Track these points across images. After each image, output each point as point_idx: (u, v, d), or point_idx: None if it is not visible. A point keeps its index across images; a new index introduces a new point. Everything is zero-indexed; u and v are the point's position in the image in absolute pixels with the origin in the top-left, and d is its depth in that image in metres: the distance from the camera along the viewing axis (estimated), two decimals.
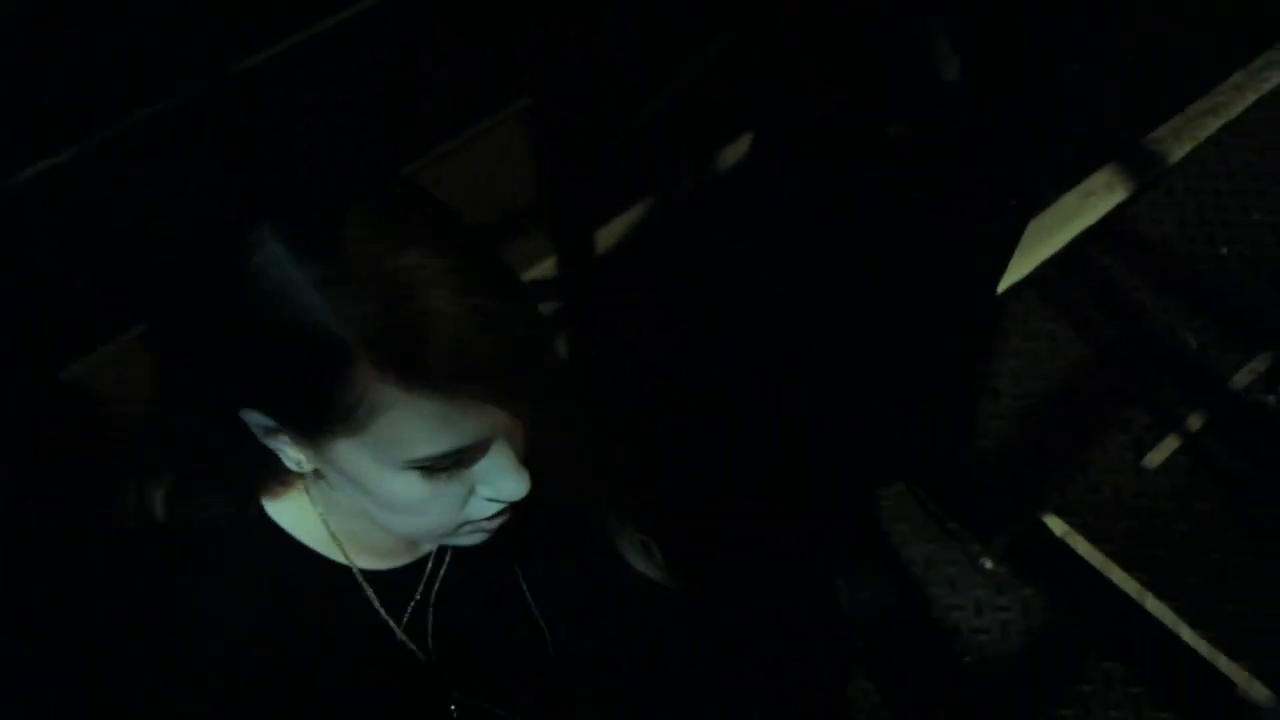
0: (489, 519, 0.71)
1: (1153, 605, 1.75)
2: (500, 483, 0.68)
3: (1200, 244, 2.25)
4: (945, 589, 1.89)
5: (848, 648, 1.88)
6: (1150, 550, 1.84)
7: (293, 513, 0.76)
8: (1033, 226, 1.85)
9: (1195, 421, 1.97)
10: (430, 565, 0.83)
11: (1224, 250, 2.23)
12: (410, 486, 0.66)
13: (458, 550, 0.83)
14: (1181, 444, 1.94)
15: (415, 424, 0.61)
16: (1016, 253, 1.83)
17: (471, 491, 0.69)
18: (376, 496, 0.68)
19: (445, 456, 0.64)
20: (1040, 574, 1.86)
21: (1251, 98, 2.01)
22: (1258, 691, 1.65)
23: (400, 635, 0.80)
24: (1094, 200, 1.86)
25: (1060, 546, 1.84)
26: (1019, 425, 2.01)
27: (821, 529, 1.96)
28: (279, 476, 0.74)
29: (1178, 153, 1.94)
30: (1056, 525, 1.85)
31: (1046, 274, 2.15)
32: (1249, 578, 1.81)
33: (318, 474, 0.71)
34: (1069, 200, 1.87)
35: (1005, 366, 2.08)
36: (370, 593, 0.78)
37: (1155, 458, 1.92)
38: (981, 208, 1.41)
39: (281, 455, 0.69)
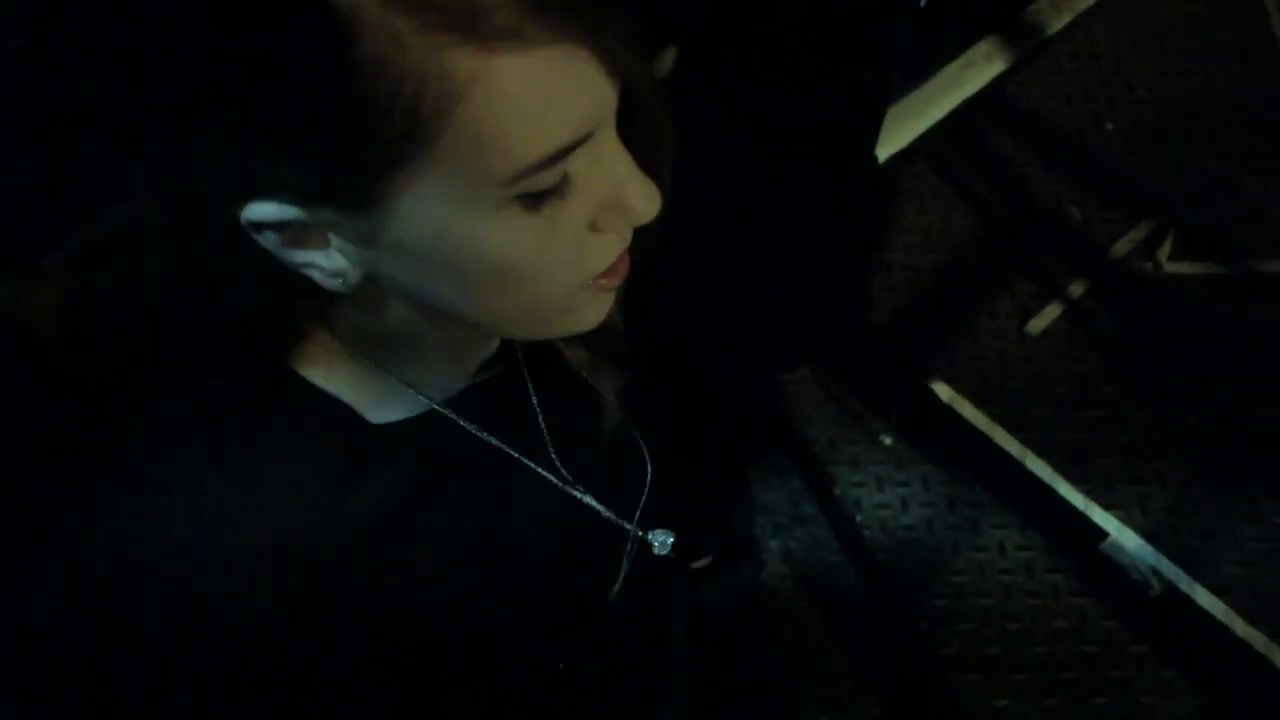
0: (608, 274, 0.53)
1: (1033, 463, 1.81)
2: (625, 194, 0.50)
3: (1086, 120, 2.29)
4: (848, 467, 1.93)
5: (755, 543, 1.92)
6: (1032, 411, 1.90)
7: (325, 372, 0.56)
8: (915, 96, 1.86)
9: (1077, 289, 2.02)
10: (504, 372, 0.64)
11: (1109, 125, 2.28)
12: (515, 230, 0.47)
13: (533, 357, 0.67)
14: (1063, 310, 1.99)
15: (505, 110, 0.43)
16: (900, 121, 1.85)
17: (586, 227, 0.50)
18: (468, 269, 0.48)
19: (553, 160, 0.45)
20: (935, 444, 1.91)
21: None
22: (1128, 538, 1.73)
23: (531, 465, 0.64)
24: (974, 71, 1.88)
25: (948, 411, 1.89)
26: (910, 297, 2.05)
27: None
28: (294, 329, 0.55)
29: (1056, 24, 1.96)
30: (944, 391, 1.90)
31: (940, 150, 2.18)
32: (1122, 434, 1.88)
33: (354, 296, 0.51)
34: (950, 70, 1.88)
35: (899, 241, 2.11)
36: (464, 422, 0.60)
37: (1038, 324, 1.97)
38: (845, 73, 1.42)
39: (314, 275, 0.48)
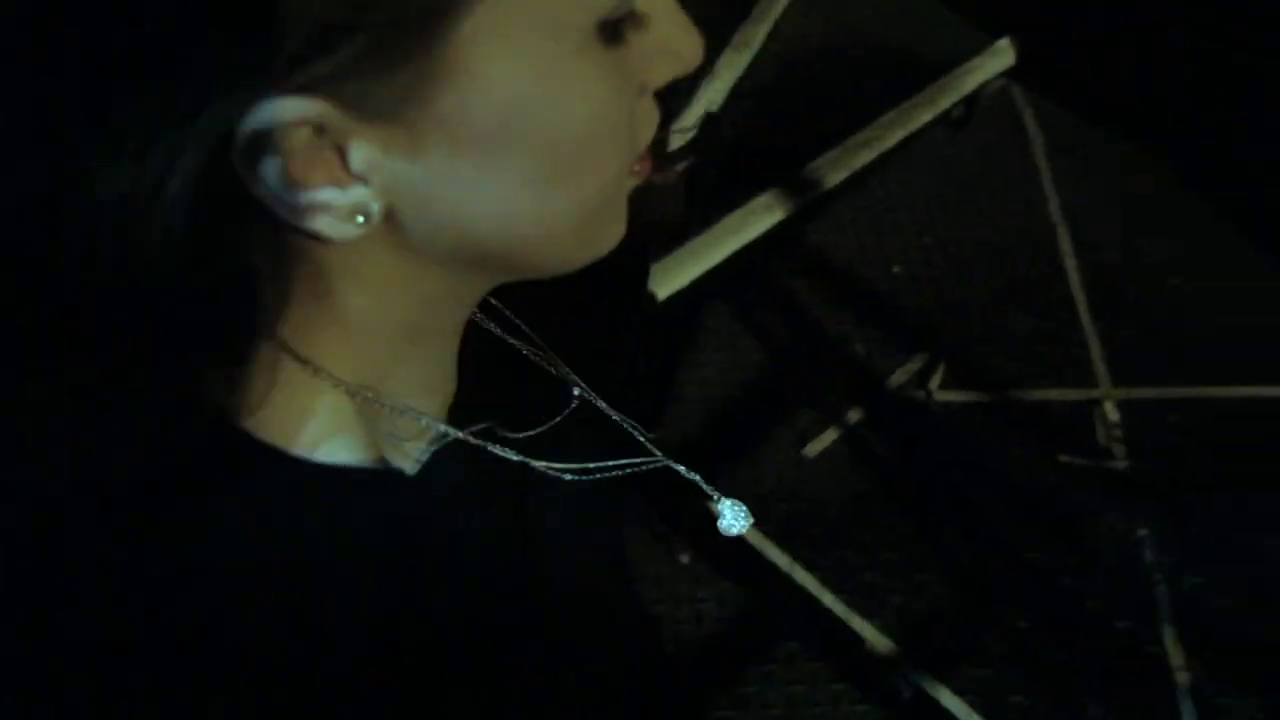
0: (642, 160, 0.45)
1: (800, 575, 1.94)
2: (675, 35, 0.43)
3: (877, 265, 2.52)
4: (651, 586, 2.04)
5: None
6: (804, 529, 2.05)
7: (294, 420, 0.43)
8: (697, 242, 2.06)
9: (854, 416, 2.19)
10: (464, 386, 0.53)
11: (896, 269, 2.50)
12: (596, 73, 0.39)
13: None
14: (840, 435, 2.16)
15: None
16: (681, 264, 2.04)
17: (638, 89, 0.43)
18: (542, 137, 0.39)
19: None
20: (721, 562, 2.04)
21: (901, 134, 2.28)
22: (881, 644, 1.86)
23: None
24: (754, 218, 2.09)
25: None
26: (700, 424, 2.21)
27: None
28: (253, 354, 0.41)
29: (833, 179, 2.19)
30: None
31: (738, 292, 2.39)
32: (887, 550, 2.03)
33: (359, 271, 0.41)
34: (732, 218, 2.09)
35: (693, 374, 2.28)
36: (496, 448, 0.50)
37: (814, 448, 2.13)
38: None
39: (323, 225, 0.36)
